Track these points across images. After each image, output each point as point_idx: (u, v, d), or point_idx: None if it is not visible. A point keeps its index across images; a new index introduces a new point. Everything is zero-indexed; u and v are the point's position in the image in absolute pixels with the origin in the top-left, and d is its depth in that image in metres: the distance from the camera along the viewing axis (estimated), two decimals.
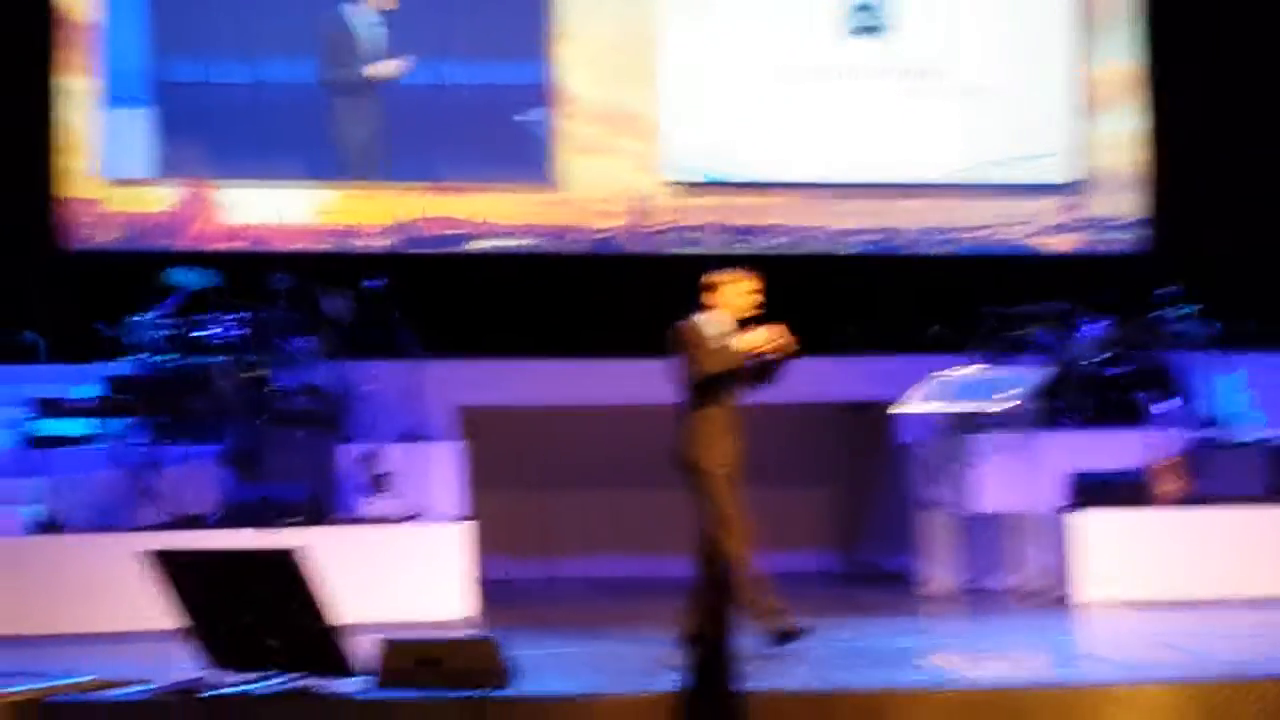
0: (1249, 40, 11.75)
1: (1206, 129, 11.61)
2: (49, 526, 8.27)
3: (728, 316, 6.45)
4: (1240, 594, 8.14)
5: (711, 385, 6.31)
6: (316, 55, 11.01)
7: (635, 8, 11.35)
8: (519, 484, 11.34)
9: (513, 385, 10.52)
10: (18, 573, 7.81)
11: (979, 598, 8.67)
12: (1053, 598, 8.30)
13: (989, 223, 11.66)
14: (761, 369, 6.37)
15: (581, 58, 11.28)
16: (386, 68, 10.99)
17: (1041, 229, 11.73)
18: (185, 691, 5.16)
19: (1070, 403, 9.82)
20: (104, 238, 10.71)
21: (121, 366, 9.26)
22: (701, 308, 6.50)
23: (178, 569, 5.40)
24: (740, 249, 11.34)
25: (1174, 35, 11.73)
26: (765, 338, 6.24)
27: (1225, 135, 11.63)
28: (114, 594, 7.50)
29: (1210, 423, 9.81)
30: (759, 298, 6.48)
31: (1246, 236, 11.48)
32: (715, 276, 6.52)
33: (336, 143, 11.03)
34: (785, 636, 6.23)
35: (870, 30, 11.56)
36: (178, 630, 5.38)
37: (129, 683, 5.42)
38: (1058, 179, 11.72)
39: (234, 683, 5.19)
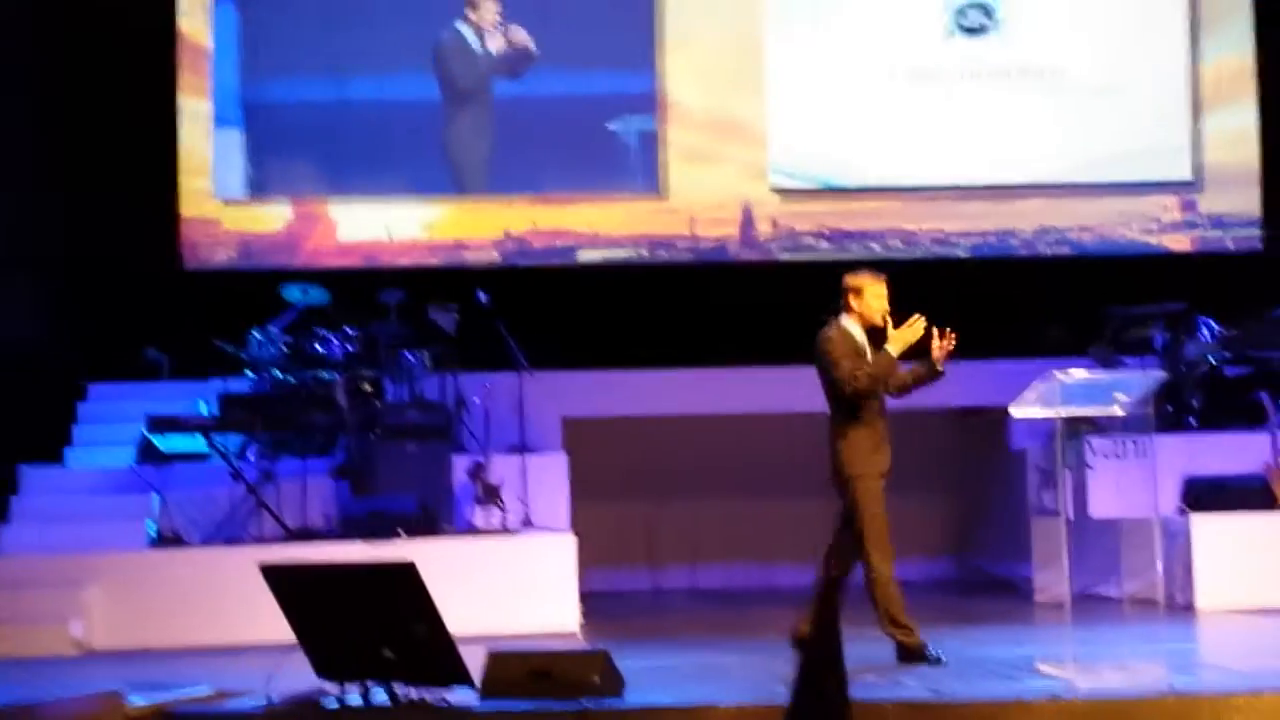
0: None
1: None
2: (168, 540, 8.49)
3: (862, 324, 6.37)
4: None
5: (867, 395, 6.22)
6: (430, 70, 11.14)
7: (742, 15, 11.33)
8: (624, 495, 11.38)
9: (619, 395, 10.57)
10: (138, 586, 8.02)
11: (1094, 605, 8.51)
12: (1169, 605, 8.13)
13: (1105, 222, 11.45)
14: (926, 374, 6.26)
15: (689, 66, 11.30)
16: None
17: (1159, 227, 11.49)
18: (303, 703, 5.25)
19: (1188, 405, 9.61)
20: (221, 256, 10.97)
21: (238, 383, 9.46)
22: (841, 311, 6.41)
23: (292, 582, 5.51)
24: (851, 254, 11.26)
25: None
26: (916, 331, 6.18)
27: None
28: (231, 607, 7.68)
29: None
30: (886, 304, 6.39)
31: None
32: (858, 279, 6.41)
33: (451, 158, 11.15)
34: (912, 655, 6.16)
35: (980, 30, 11.43)
36: (294, 643, 5.47)
37: (247, 694, 5.54)
38: (1174, 176, 11.47)
39: (349, 694, 5.27)
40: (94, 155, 10.75)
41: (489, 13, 11.17)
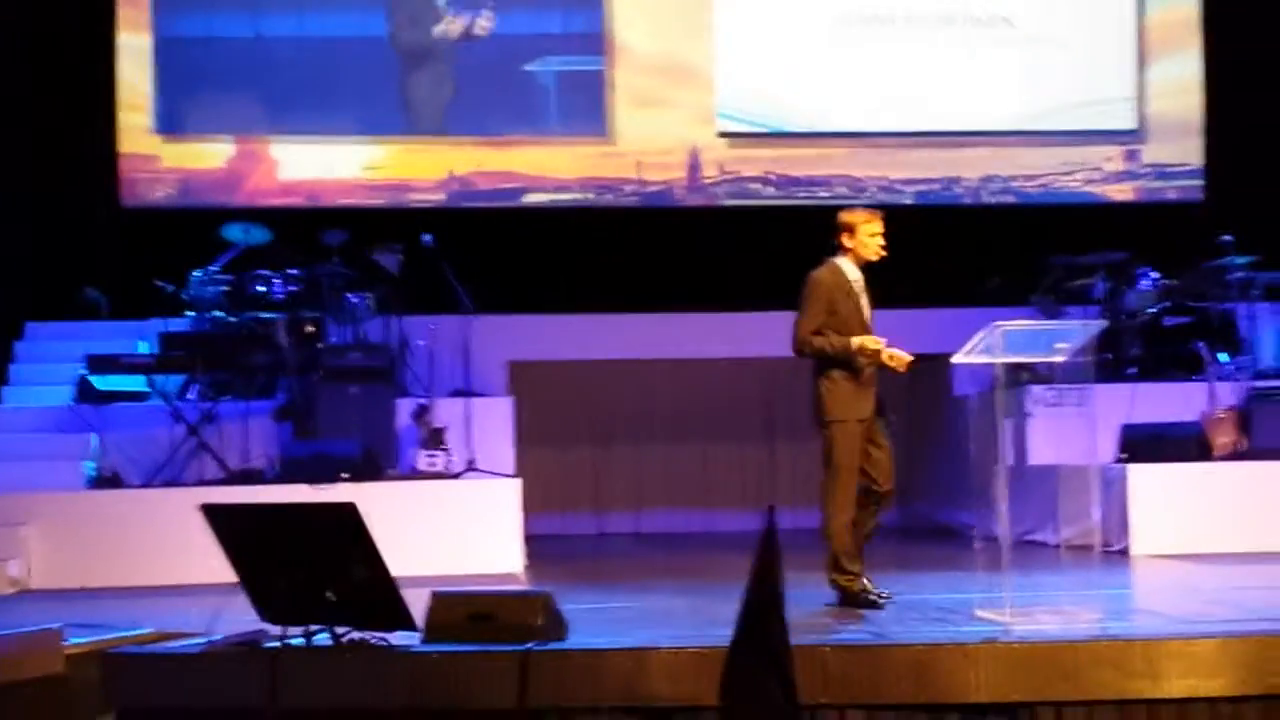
0: None
1: (1262, 74, 11.39)
2: (108, 481, 8.42)
3: (857, 261, 6.29)
4: None
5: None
6: (380, 8, 10.99)
7: None
8: (569, 439, 11.39)
9: (564, 339, 10.55)
10: (78, 526, 7.96)
11: (1032, 551, 8.62)
12: (1106, 551, 8.25)
13: (1049, 171, 11.51)
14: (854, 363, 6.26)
15: (637, 9, 11.22)
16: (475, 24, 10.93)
17: (1102, 176, 11.57)
18: (244, 644, 5.23)
19: (1128, 354, 9.72)
20: (160, 194, 10.81)
21: (178, 323, 9.36)
22: (836, 251, 6.31)
23: (234, 524, 5.47)
24: (797, 201, 11.27)
25: None
26: (885, 356, 6.17)
27: (1277, 81, 11.41)
28: (172, 548, 7.62)
29: (1267, 375, 9.68)
30: (882, 240, 6.30)
31: None
32: (851, 216, 6.30)
33: (403, 100, 11.02)
34: (852, 601, 6.20)
35: None
36: (235, 584, 5.45)
37: (188, 635, 5.51)
38: (1118, 126, 11.54)
39: (291, 635, 5.26)
40: (30, 90, 10.54)
41: None
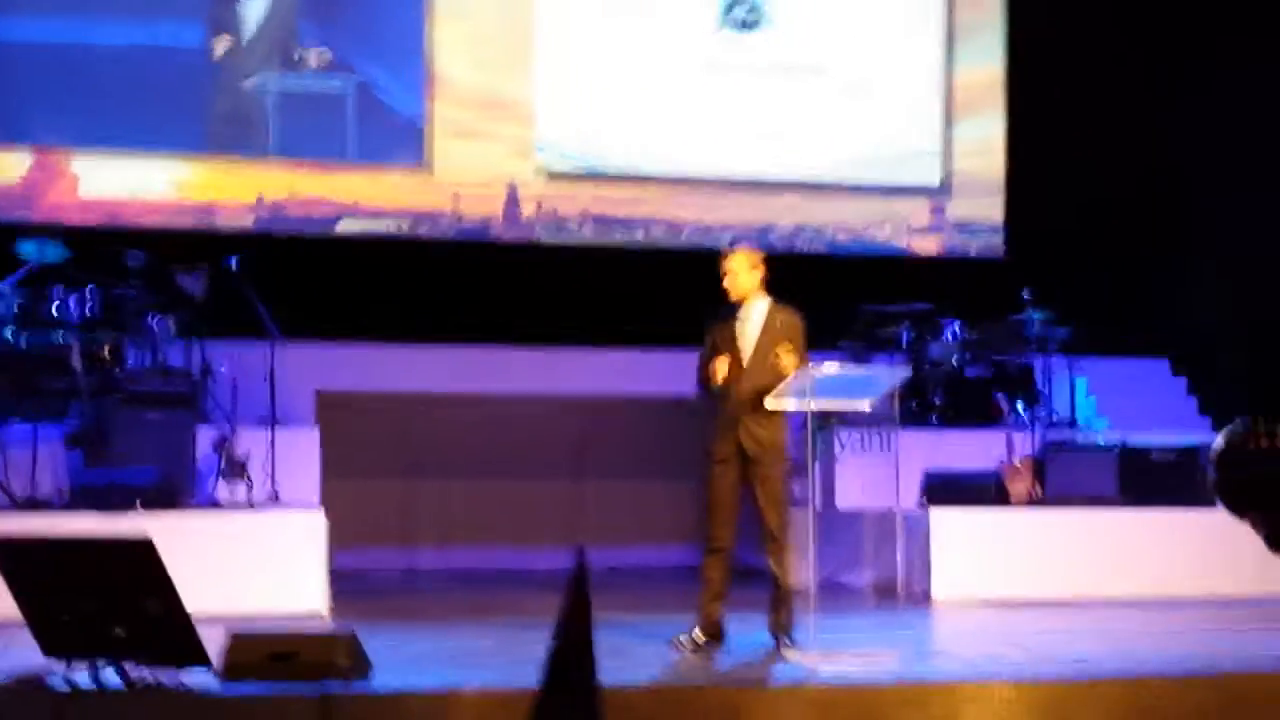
0: (1103, 47, 12.05)
1: (1061, 137, 11.89)
2: None
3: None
4: (1089, 594, 8.33)
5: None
6: (191, 18, 10.69)
7: None
8: (377, 472, 11.16)
9: (374, 370, 10.37)
10: None
11: (838, 593, 8.75)
12: (909, 594, 8.42)
13: (859, 221, 11.79)
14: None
15: (459, 41, 11.14)
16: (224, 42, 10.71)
17: (909, 230, 11.89)
18: (27, 682, 4.97)
19: (931, 402, 9.98)
20: None
21: None
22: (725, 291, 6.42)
23: (18, 556, 5.20)
24: (615, 240, 11.31)
25: (1033, 41, 11.97)
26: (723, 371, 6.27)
27: (1077, 142, 11.92)
28: None
29: (1062, 424, 10.05)
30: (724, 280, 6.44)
31: (1094, 242, 11.79)
32: (734, 261, 6.42)
33: (214, 117, 10.72)
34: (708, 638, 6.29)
35: (748, 25, 11.60)
36: (20, 621, 5.17)
37: None
38: (925, 181, 11.89)
39: (77, 674, 5.00)
40: None
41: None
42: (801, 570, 8.89)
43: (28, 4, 10.45)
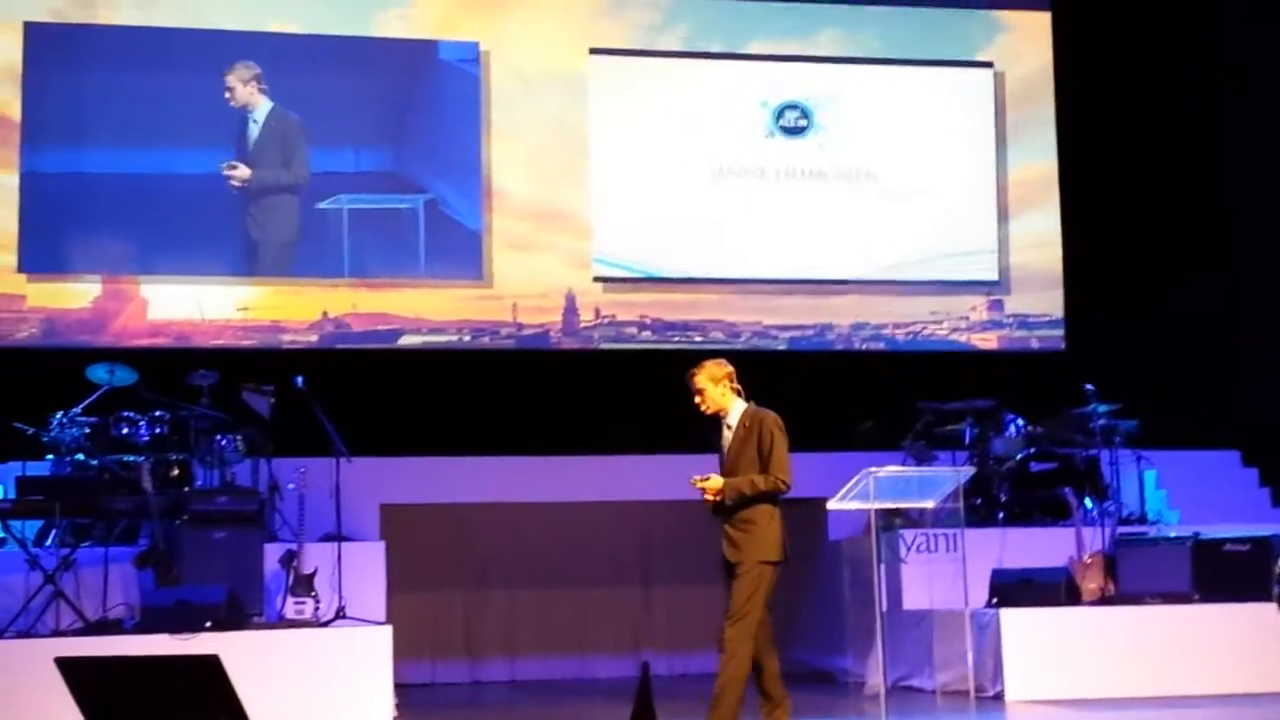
0: (1154, 135, 12.07)
1: (1118, 228, 11.88)
2: None
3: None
4: (1165, 692, 8.16)
5: None
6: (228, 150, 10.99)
7: (567, 107, 11.45)
8: (442, 584, 11.18)
9: (438, 482, 10.43)
10: None
11: (908, 697, 8.63)
12: (980, 696, 8.28)
13: (917, 319, 11.80)
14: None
15: (515, 156, 11.35)
16: (241, 171, 10.95)
17: (967, 325, 11.88)
18: None
19: (996, 500, 9.88)
20: (24, 334, 10.55)
21: (38, 466, 9.06)
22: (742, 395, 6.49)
23: (91, 678, 5.24)
24: (673, 345, 11.38)
25: (1084, 134, 12.03)
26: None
27: (1135, 232, 11.90)
28: (25, 703, 7.27)
29: (1131, 520, 9.91)
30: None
31: (1156, 333, 11.71)
32: (697, 381, 6.46)
33: (256, 240, 10.97)
34: None
35: (798, 131, 11.74)
36: None
37: None
38: (981, 277, 11.89)
39: None
40: None
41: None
42: (872, 673, 8.79)
43: (93, 141, 10.75)
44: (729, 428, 6.40)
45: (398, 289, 11.12)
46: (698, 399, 6.42)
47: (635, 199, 11.48)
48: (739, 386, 6.47)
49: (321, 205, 11.03)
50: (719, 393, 6.40)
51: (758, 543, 6.24)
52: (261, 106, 10.99)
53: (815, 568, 10.93)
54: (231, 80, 10.94)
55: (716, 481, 6.23)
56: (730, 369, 6.47)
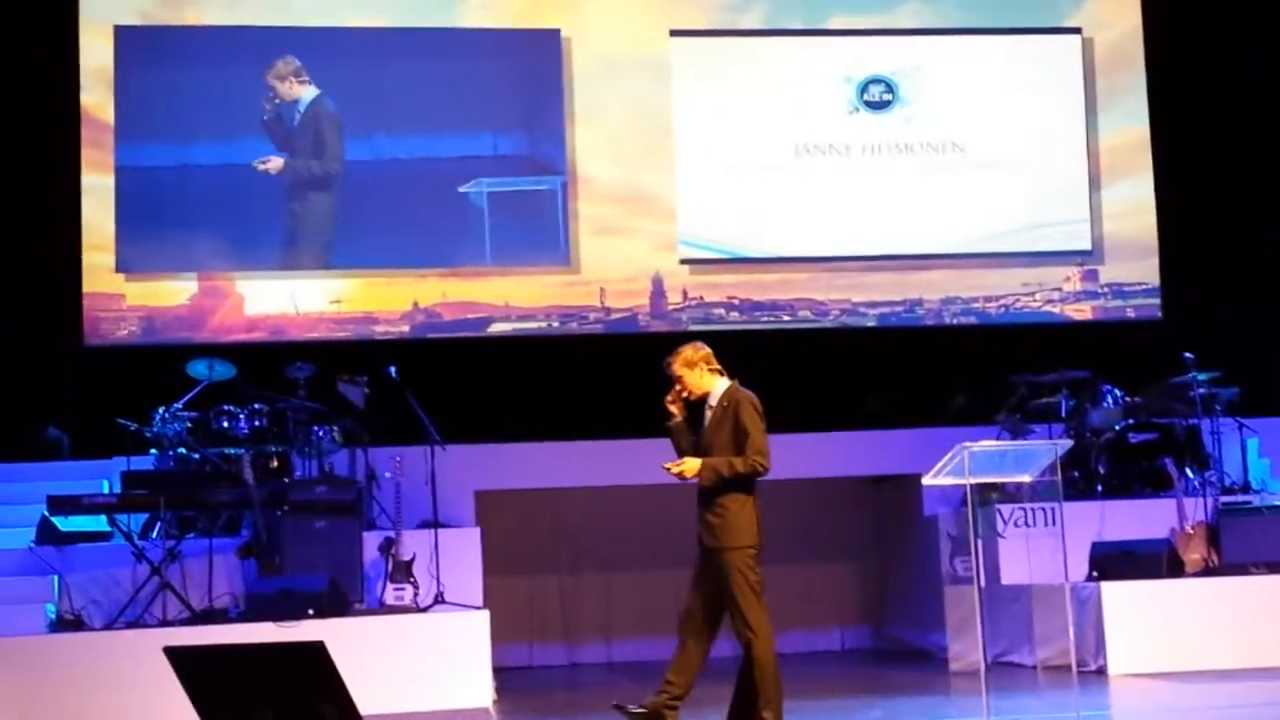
0: (1248, 95, 11.80)
1: (1213, 192, 11.64)
2: (70, 624, 8.26)
3: None
4: (1271, 664, 8.00)
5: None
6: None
7: (649, 89, 11.45)
8: (538, 568, 11.27)
9: (532, 468, 10.49)
10: (39, 671, 7.76)
11: (1008, 672, 8.55)
12: (1082, 671, 8.18)
13: (1008, 291, 11.65)
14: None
15: (598, 140, 11.38)
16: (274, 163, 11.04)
17: (1061, 296, 11.72)
18: None
19: (1095, 472, 9.75)
20: (124, 332, 10.78)
21: (141, 461, 9.27)
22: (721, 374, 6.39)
23: (198, 666, 5.36)
24: (761, 325, 11.35)
25: (1177, 98, 11.78)
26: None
27: (1231, 196, 11.65)
28: (134, 692, 7.45)
29: (1234, 489, 9.72)
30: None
31: (1255, 299, 11.46)
32: (675, 368, 6.35)
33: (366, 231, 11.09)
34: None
35: (883, 105, 11.63)
36: None
37: None
38: (1074, 246, 11.71)
39: None
40: None
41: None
42: (971, 649, 8.73)
43: (190, 138, 10.94)
44: (710, 408, 6.33)
45: (485, 277, 11.20)
46: (678, 386, 6.33)
47: (720, 180, 11.45)
48: (719, 367, 6.37)
49: (463, 189, 11.08)
50: (697, 376, 6.32)
51: (731, 529, 6.15)
52: (305, 97, 11.07)
53: (910, 544, 10.86)
54: (277, 77, 11.03)
55: (693, 464, 6.17)
56: (707, 351, 6.36)
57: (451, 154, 11.18)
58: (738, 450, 6.13)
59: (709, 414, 6.31)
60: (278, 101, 11.05)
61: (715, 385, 6.32)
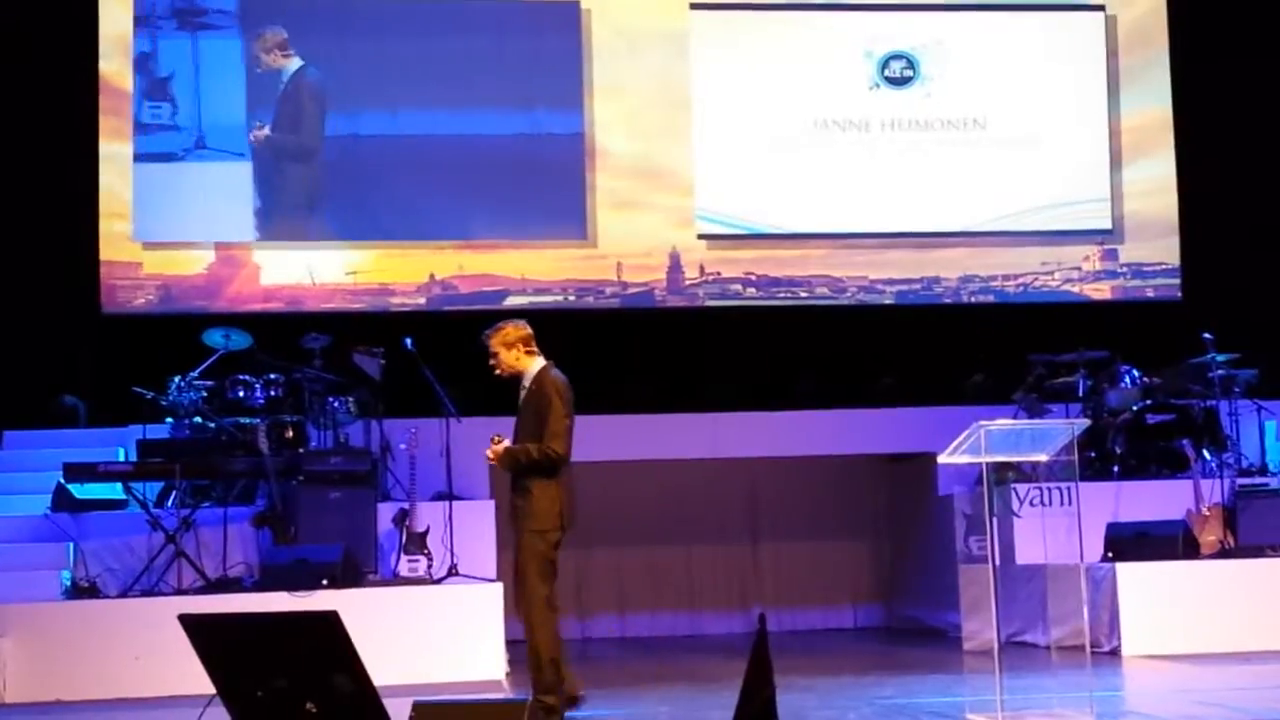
0: (1272, 76, 11.69)
1: (1235, 173, 11.55)
2: (85, 591, 8.29)
3: None
4: None
5: None
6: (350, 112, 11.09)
7: (668, 64, 11.39)
8: None
9: None
10: (54, 637, 7.80)
11: (1021, 652, 8.54)
12: (1096, 651, 8.16)
13: (1027, 270, 11.60)
14: None
15: (617, 114, 11.33)
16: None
17: (1080, 276, 11.66)
18: None
19: (1112, 452, 9.71)
20: (141, 301, 10.79)
21: (157, 429, 9.28)
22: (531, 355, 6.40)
23: (212, 634, 5.37)
24: (778, 301, 11.32)
25: (1200, 77, 11.69)
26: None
27: (1253, 177, 11.56)
28: (149, 659, 7.49)
29: (1252, 471, 9.68)
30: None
31: (1276, 281, 11.38)
32: (492, 344, 6.37)
33: (381, 203, 11.07)
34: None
35: (903, 81, 11.56)
36: (214, 695, 5.33)
37: None
38: (1094, 226, 11.64)
39: None
40: (10, 197, 10.55)
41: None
42: (985, 629, 8.72)
43: (207, 110, 10.92)
44: (523, 389, 6.32)
45: (501, 250, 11.17)
46: (492, 362, 6.33)
47: (738, 155, 11.40)
48: (536, 349, 6.34)
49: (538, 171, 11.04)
50: (513, 356, 6.32)
51: (530, 512, 6.20)
52: (289, 68, 11.02)
53: (926, 523, 10.85)
54: (262, 47, 10.99)
55: (497, 451, 6.17)
56: (527, 331, 6.36)
57: (470, 127, 11.15)
58: (540, 435, 6.09)
59: (522, 394, 6.34)
60: (259, 71, 10.98)
61: (530, 366, 6.34)
